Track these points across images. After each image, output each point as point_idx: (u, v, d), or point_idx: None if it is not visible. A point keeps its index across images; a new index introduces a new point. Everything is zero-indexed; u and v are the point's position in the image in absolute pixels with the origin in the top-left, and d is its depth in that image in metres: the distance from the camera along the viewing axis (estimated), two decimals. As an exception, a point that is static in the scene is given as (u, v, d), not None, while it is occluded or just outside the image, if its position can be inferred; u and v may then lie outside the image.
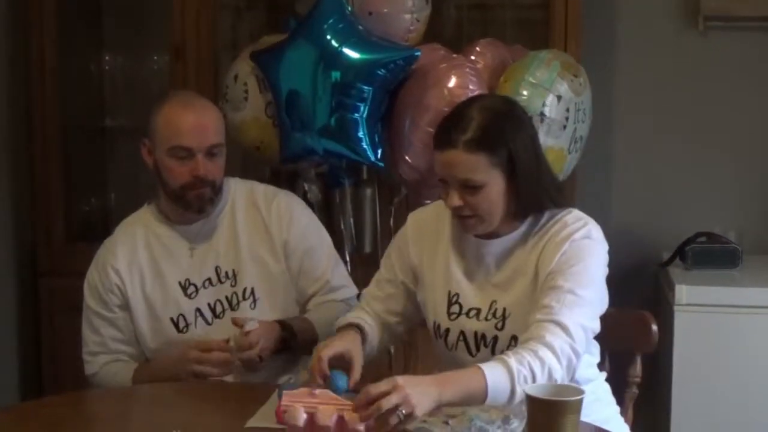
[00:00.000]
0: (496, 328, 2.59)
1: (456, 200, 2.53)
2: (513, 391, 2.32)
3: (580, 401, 2.17)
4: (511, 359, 2.34)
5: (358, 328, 2.70)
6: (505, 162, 2.51)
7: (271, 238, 3.06)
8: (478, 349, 2.62)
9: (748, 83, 4.21)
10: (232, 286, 3.03)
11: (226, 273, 3.03)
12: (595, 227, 2.60)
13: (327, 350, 2.54)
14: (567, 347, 2.41)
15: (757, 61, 4.20)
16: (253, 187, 3.13)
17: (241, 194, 3.09)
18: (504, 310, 2.59)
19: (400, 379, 2.23)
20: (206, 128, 2.95)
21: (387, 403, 2.19)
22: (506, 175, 2.52)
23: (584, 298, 2.48)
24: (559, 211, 2.61)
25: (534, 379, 2.33)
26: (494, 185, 2.52)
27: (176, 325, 3.02)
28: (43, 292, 4.12)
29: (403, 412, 2.19)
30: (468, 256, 2.68)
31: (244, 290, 3.02)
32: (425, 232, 2.77)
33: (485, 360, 2.40)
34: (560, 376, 2.38)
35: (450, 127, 2.53)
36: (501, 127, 2.51)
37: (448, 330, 2.67)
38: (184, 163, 2.93)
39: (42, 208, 4.11)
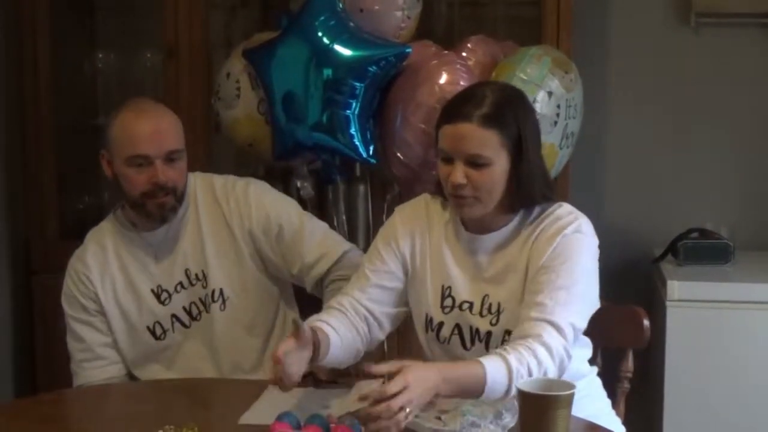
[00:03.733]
0: (490, 323, 2.60)
1: (460, 177, 2.53)
2: (509, 388, 2.36)
3: (571, 395, 2.19)
4: (511, 356, 2.38)
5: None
6: (513, 145, 2.53)
7: (232, 234, 3.01)
8: (473, 343, 2.64)
9: (740, 79, 4.22)
10: (203, 287, 3.01)
11: (196, 275, 3.01)
12: (586, 221, 2.61)
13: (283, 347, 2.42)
14: (561, 348, 2.45)
15: (749, 57, 4.20)
16: (213, 181, 3.08)
17: (202, 190, 3.05)
18: (498, 305, 2.60)
19: (411, 378, 2.26)
20: (162, 134, 2.90)
21: (395, 406, 2.23)
22: (511, 158, 2.54)
23: (576, 295, 2.51)
24: (549, 205, 2.63)
25: (532, 377, 2.36)
26: (499, 165, 2.53)
27: (153, 332, 3.02)
28: (37, 289, 4.12)
29: (407, 411, 2.24)
30: (461, 250, 2.68)
31: (213, 292, 3.00)
32: (415, 225, 2.76)
33: (479, 354, 2.46)
34: (554, 376, 2.41)
35: (464, 102, 2.55)
36: (513, 108, 2.54)
37: (441, 324, 2.68)
38: (142, 171, 2.88)
39: (35, 206, 4.11)
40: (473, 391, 2.36)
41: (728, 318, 3.71)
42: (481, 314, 2.62)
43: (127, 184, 2.92)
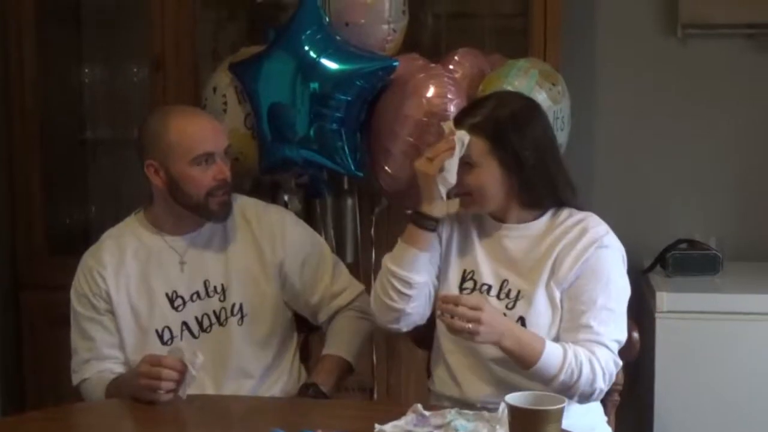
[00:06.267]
0: (507, 307, 2.73)
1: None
2: (556, 376, 2.57)
3: (561, 410, 2.19)
4: (570, 351, 2.59)
5: None
6: (507, 156, 2.70)
7: (262, 256, 3.06)
8: None
9: (727, 90, 4.23)
10: (220, 300, 3.02)
11: (215, 287, 3.02)
12: (612, 234, 2.77)
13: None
14: (612, 365, 2.66)
15: (736, 68, 4.21)
16: (243, 201, 3.13)
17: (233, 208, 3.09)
18: (518, 292, 2.73)
19: (488, 309, 2.55)
20: (219, 130, 3.04)
21: (462, 313, 2.51)
22: (504, 165, 2.70)
23: (616, 310, 2.71)
24: (578, 212, 2.78)
25: (579, 377, 2.58)
26: (487, 170, 2.71)
27: (161, 337, 3.00)
28: (25, 305, 4.10)
29: (469, 327, 2.50)
30: (488, 236, 2.83)
31: (233, 306, 3.01)
32: (446, 222, 2.86)
33: None
34: (599, 387, 2.63)
35: (466, 111, 2.82)
36: (507, 123, 2.71)
37: None
38: (207, 169, 2.95)
39: (22, 220, 4.10)
40: (527, 359, 2.57)
41: (717, 329, 3.70)
42: (498, 297, 2.75)
43: (191, 185, 2.96)
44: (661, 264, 4.00)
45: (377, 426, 2.39)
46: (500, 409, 2.34)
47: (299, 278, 3.09)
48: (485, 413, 2.44)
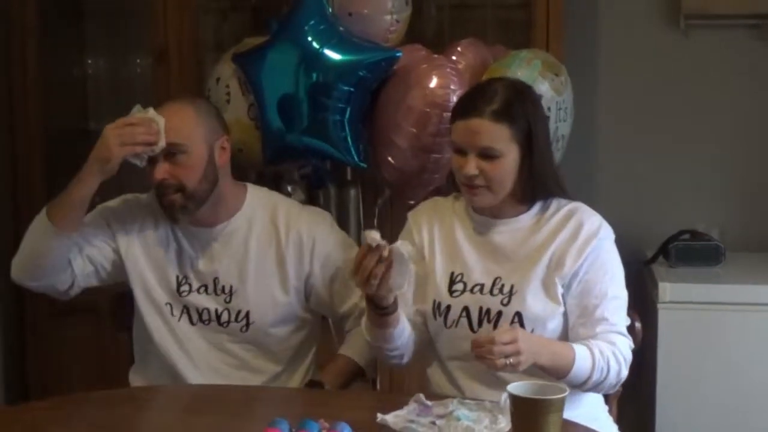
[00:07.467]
0: (501, 303, 2.69)
1: (473, 168, 2.64)
2: (589, 378, 2.57)
3: (563, 399, 2.19)
4: (596, 349, 2.58)
5: None
6: (524, 138, 2.65)
7: (284, 266, 2.96)
8: (480, 324, 2.70)
9: (729, 81, 4.23)
10: (226, 302, 2.95)
11: (223, 287, 2.95)
12: (605, 221, 2.77)
13: None
14: (629, 350, 2.68)
15: (738, 59, 4.22)
16: (277, 202, 3.04)
17: (263, 209, 3.00)
18: (512, 287, 2.69)
19: (522, 337, 2.45)
20: (170, 127, 2.84)
21: (500, 351, 2.40)
22: (522, 150, 2.66)
23: (621, 297, 2.73)
24: (567, 202, 2.76)
25: (609, 373, 2.59)
26: (510, 157, 2.65)
27: (160, 312, 2.99)
28: (28, 297, 4.10)
29: (510, 361, 2.42)
30: (474, 235, 2.78)
31: (238, 312, 2.95)
32: (423, 220, 2.84)
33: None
34: (624, 376, 2.66)
35: (476, 98, 2.69)
36: (523, 104, 2.68)
37: (449, 307, 2.74)
38: (151, 169, 2.87)
39: (25, 212, 4.08)
40: (562, 369, 2.54)
41: (720, 319, 3.71)
42: (491, 293, 2.71)
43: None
44: (663, 254, 4.01)
45: (379, 415, 2.39)
46: (502, 399, 2.35)
47: (327, 291, 2.99)
48: (487, 403, 2.44)
